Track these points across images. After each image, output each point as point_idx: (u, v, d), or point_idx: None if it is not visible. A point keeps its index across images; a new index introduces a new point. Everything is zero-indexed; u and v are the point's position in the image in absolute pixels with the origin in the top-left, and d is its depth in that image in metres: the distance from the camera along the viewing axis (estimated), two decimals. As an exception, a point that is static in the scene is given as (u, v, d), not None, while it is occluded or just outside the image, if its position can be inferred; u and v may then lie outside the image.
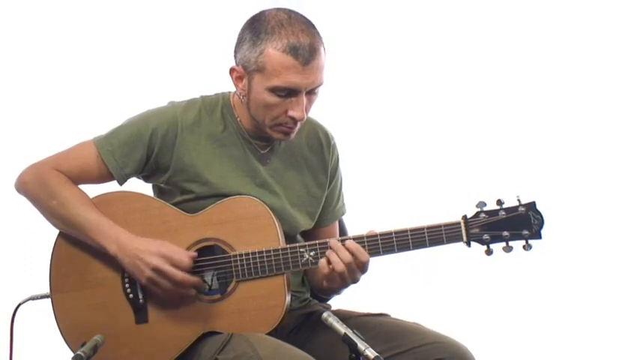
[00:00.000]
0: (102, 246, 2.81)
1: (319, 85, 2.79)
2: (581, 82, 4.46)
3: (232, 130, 2.91)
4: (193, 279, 2.79)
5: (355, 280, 2.80)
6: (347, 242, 2.76)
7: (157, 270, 2.76)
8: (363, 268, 2.78)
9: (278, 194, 2.91)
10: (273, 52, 2.74)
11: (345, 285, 2.83)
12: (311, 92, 2.79)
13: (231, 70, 2.84)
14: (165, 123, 2.87)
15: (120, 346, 2.82)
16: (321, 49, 2.77)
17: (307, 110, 2.81)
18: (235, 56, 2.83)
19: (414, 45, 4.50)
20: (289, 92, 2.76)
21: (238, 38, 2.83)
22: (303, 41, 2.74)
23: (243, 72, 2.81)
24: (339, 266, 2.76)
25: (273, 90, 2.76)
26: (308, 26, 2.77)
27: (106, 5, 4.39)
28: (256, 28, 2.77)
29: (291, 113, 2.78)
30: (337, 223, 3.08)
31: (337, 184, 3.04)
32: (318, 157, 2.99)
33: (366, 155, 4.37)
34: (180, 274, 2.77)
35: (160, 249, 2.77)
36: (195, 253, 2.81)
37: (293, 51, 2.73)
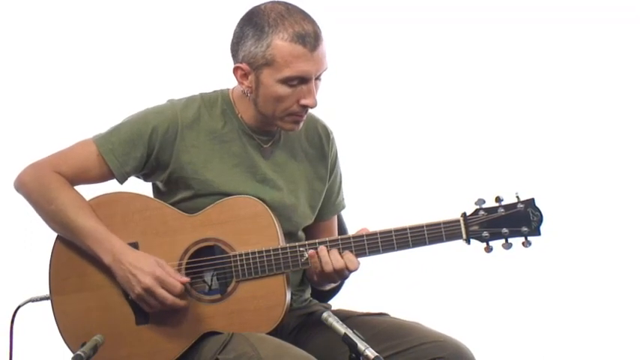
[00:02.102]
0: (97, 255, 2.81)
1: (325, 70, 2.81)
2: (578, 78, 4.48)
3: (233, 127, 2.91)
4: (182, 303, 2.79)
5: (345, 277, 2.83)
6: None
7: (147, 290, 2.77)
8: (350, 272, 2.81)
9: (280, 189, 2.91)
10: (282, 42, 2.75)
11: (334, 281, 2.87)
12: (317, 78, 2.80)
13: (236, 69, 2.83)
14: (165, 121, 2.87)
15: (120, 347, 2.82)
16: (322, 34, 2.79)
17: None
18: (237, 54, 2.83)
19: (414, 43, 4.50)
20: (300, 81, 2.77)
21: (237, 36, 2.82)
22: (308, 29, 2.76)
23: (248, 69, 2.80)
24: (328, 267, 2.78)
25: (285, 81, 2.77)
26: (306, 14, 2.80)
27: (105, 5, 4.39)
28: (257, 22, 2.78)
29: (303, 102, 2.79)
30: (336, 217, 3.08)
31: (337, 178, 3.05)
32: (317, 150, 2.99)
33: (366, 153, 4.37)
34: (170, 298, 2.77)
35: (155, 271, 2.77)
36: (188, 279, 2.80)
37: (301, 39, 2.74)
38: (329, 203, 3.02)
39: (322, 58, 2.78)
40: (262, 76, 2.79)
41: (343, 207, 3.08)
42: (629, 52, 4.47)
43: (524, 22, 4.48)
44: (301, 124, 2.85)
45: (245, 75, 2.82)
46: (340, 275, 2.80)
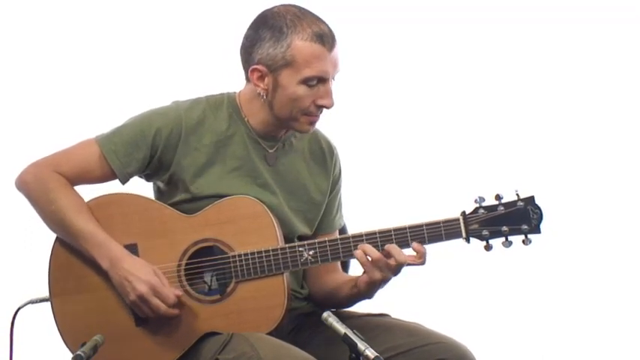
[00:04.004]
0: (95, 259, 2.81)
1: (338, 72, 2.84)
2: (578, 78, 4.49)
3: (237, 130, 2.90)
4: (175, 312, 2.78)
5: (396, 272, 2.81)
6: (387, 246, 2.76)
7: (141, 298, 2.76)
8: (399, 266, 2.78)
9: (278, 196, 2.91)
10: (302, 42, 2.76)
11: (386, 279, 2.82)
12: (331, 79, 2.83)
13: (253, 71, 2.82)
14: (169, 123, 2.87)
15: (120, 348, 2.82)
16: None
17: None
18: (251, 57, 2.82)
19: (414, 42, 4.51)
20: (318, 80, 2.79)
21: (251, 39, 2.82)
22: (324, 28, 2.79)
23: (266, 70, 2.80)
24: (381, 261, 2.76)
25: (305, 81, 2.78)
26: (317, 16, 2.82)
27: (108, 4, 4.40)
28: (274, 24, 2.79)
29: (321, 102, 2.80)
30: (337, 232, 3.06)
31: (337, 195, 3.05)
32: (320, 164, 2.99)
33: (365, 151, 4.37)
34: (163, 308, 2.77)
35: (150, 280, 2.76)
36: (181, 293, 2.79)
37: (320, 39, 2.77)
38: (328, 219, 3.02)
39: (338, 57, 2.81)
40: (281, 77, 2.79)
41: (340, 225, 3.07)
42: (629, 52, 4.47)
43: (524, 22, 4.49)
44: (315, 125, 2.86)
45: (262, 77, 2.82)
46: (390, 269, 2.78)
